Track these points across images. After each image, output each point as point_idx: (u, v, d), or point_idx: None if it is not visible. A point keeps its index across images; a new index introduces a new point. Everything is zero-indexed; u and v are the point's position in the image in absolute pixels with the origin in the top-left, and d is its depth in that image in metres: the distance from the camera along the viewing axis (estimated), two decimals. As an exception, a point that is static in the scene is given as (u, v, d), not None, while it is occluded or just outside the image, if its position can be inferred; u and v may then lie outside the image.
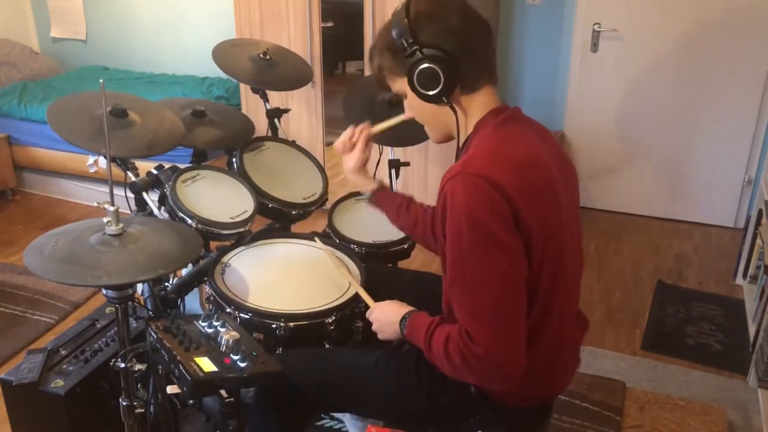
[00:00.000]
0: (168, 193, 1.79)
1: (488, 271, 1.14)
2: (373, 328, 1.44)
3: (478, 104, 1.28)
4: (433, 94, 1.24)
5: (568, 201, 1.28)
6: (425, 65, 1.21)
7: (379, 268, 1.82)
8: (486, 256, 1.13)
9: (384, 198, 1.68)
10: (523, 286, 1.17)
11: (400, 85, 1.30)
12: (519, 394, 1.30)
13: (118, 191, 1.67)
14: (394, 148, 2.26)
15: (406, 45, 1.22)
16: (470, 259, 1.13)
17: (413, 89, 1.25)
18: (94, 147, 1.72)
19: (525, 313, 1.18)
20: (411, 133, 2.19)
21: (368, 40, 3.30)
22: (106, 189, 3.63)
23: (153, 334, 1.32)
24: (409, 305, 1.39)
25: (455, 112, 1.27)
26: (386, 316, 1.40)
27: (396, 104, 2.12)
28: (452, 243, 1.15)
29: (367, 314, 1.47)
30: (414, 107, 1.33)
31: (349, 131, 1.62)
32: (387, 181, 2.23)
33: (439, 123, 1.33)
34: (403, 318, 1.35)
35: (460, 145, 1.31)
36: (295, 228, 2.09)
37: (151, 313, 1.75)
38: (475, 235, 1.12)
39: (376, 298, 1.48)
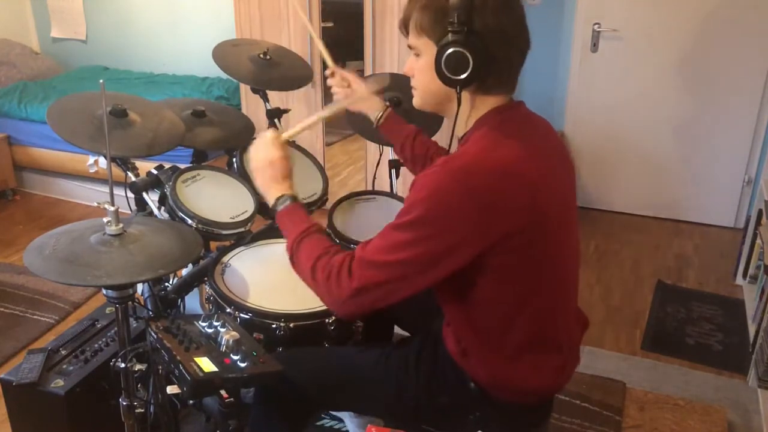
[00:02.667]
0: (168, 193, 1.79)
1: (417, 248, 1.13)
2: (253, 154, 1.41)
3: (486, 104, 1.26)
4: (451, 78, 1.20)
5: (562, 199, 1.27)
6: (462, 50, 1.16)
7: None
8: (416, 238, 1.13)
9: (392, 125, 1.73)
10: (433, 278, 1.17)
11: (422, 45, 1.24)
12: (518, 389, 1.30)
13: (118, 191, 1.67)
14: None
15: (456, 20, 1.16)
16: (404, 230, 1.14)
17: (436, 63, 1.20)
18: (94, 147, 1.72)
19: (402, 298, 1.19)
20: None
21: (368, 40, 3.30)
22: (106, 189, 3.63)
23: (153, 334, 1.32)
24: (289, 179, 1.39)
25: (459, 104, 1.24)
26: (266, 171, 1.39)
27: (395, 105, 2.12)
28: (400, 213, 1.16)
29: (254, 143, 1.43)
30: (422, 70, 1.27)
31: (335, 80, 1.77)
32: (387, 181, 2.24)
33: (435, 98, 1.29)
34: (283, 197, 1.35)
35: (459, 139, 1.30)
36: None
37: (151, 313, 1.76)
38: (421, 221, 1.12)
39: None
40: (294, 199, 1.36)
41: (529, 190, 1.17)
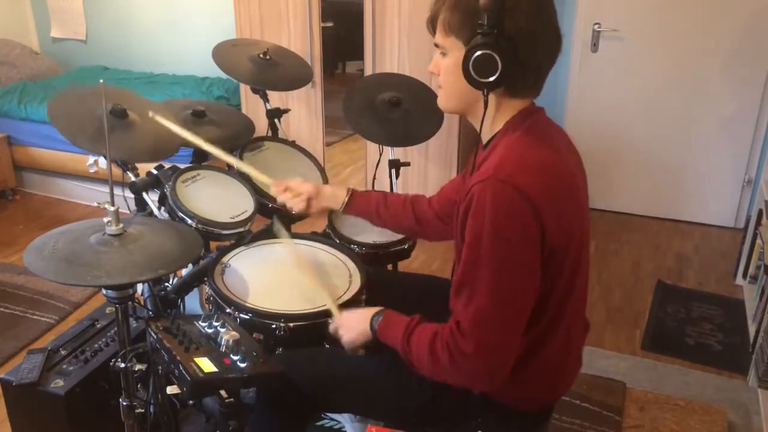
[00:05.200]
0: (168, 193, 1.79)
1: (502, 280, 1.13)
2: (341, 331, 1.42)
3: (512, 107, 1.24)
4: (478, 81, 1.17)
5: (585, 206, 1.28)
6: (490, 53, 1.14)
7: (377, 271, 1.81)
8: (502, 266, 1.13)
9: (358, 202, 1.67)
10: (530, 300, 1.17)
11: (449, 44, 1.22)
12: (523, 397, 1.30)
13: (118, 191, 1.67)
14: (394, 148, 2.26)
15: (486, 22, 1.13)
16: (486, 264, 1.13)
17: (463, 64, 1.17)
18: (95, 147, 1.72)
19: (524, 325, 1.18)
20: (411, 133, 2.20)
21: (368, 41, 3.30)
22: (106, 189, 3.63)
23: (153, 334, 1.32)
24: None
25: (485, 106, 1.22)
26: (354, 318, 1.40)
27: (395, 105, 2.12)
28: (470, 244, 1.14)
29: (336, 323, 1.44)
30: (448, 69, 1.25)
31: (286, 196, 1.69)
32: (387, 181, 2.24)
33: (461, 100, 1.27)
34: (376, 314, 1.34)
35: (484, 142, 1.30)
36: (295, 228, 2.09)
37: (151, 313, 1.76)
38: (496, 244, 1.11)
39: (376, 303, 1.45)
40: (382, 310, 1.35)
41: (573, 188, 1.20)
